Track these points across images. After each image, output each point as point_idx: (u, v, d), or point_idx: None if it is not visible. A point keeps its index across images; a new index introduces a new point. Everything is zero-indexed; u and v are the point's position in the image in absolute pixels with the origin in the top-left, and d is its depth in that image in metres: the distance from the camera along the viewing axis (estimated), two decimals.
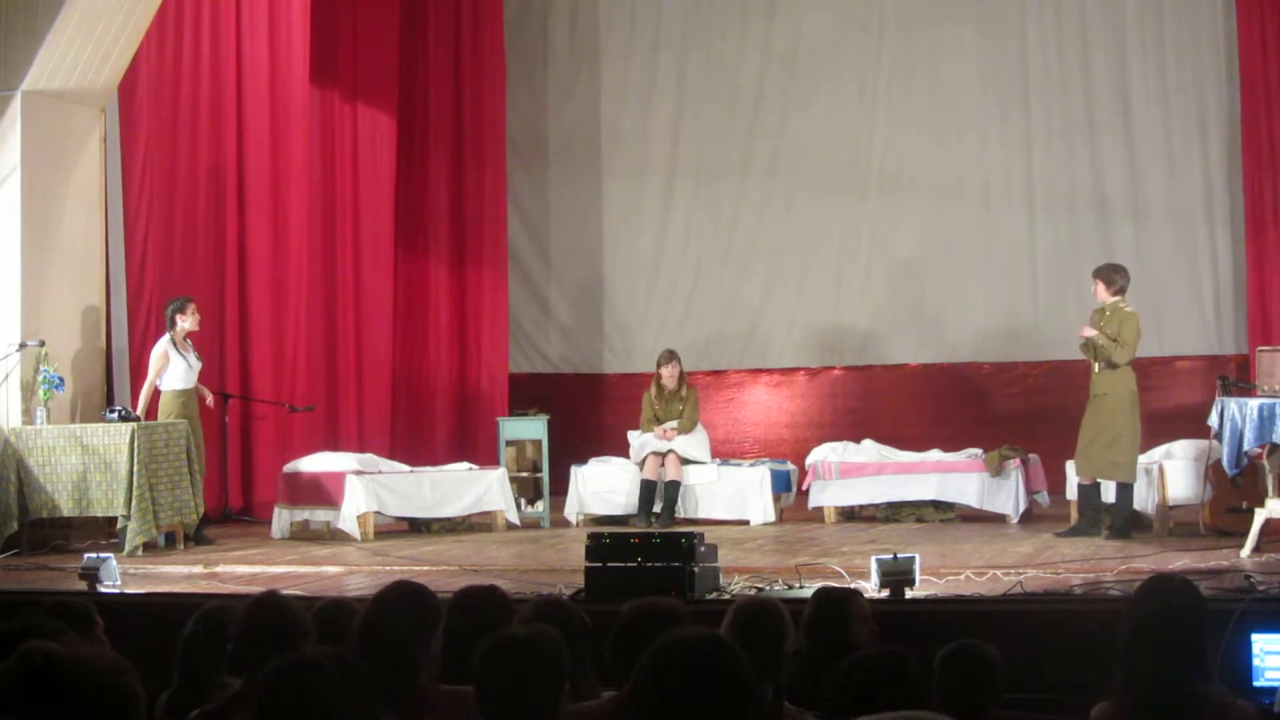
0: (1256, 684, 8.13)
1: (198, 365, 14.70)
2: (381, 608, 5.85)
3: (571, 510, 16.16)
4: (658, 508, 15.83)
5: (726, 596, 10.06)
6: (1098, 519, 13.81)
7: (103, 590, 10.80)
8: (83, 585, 10.85)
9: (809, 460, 16.05)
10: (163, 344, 14.50)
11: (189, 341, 14.66)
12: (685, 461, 15.99)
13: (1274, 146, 17.17)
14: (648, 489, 15.85)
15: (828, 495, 15.80)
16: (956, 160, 19.00)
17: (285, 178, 17.05)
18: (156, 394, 14.53)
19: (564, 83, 20.69)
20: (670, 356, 16.56)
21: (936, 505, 15.65)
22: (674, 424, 16.19)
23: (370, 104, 18.68)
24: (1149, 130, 18.37)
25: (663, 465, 15.92)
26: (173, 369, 14.46)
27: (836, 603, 7.04)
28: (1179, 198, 18.25)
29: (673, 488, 15.86)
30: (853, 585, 9.92)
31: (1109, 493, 13.85)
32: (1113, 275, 14.13)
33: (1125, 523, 13.53)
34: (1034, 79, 18.82)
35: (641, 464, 16.00)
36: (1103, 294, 14.10)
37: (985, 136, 18.97)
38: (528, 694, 4.66)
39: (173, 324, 14.53)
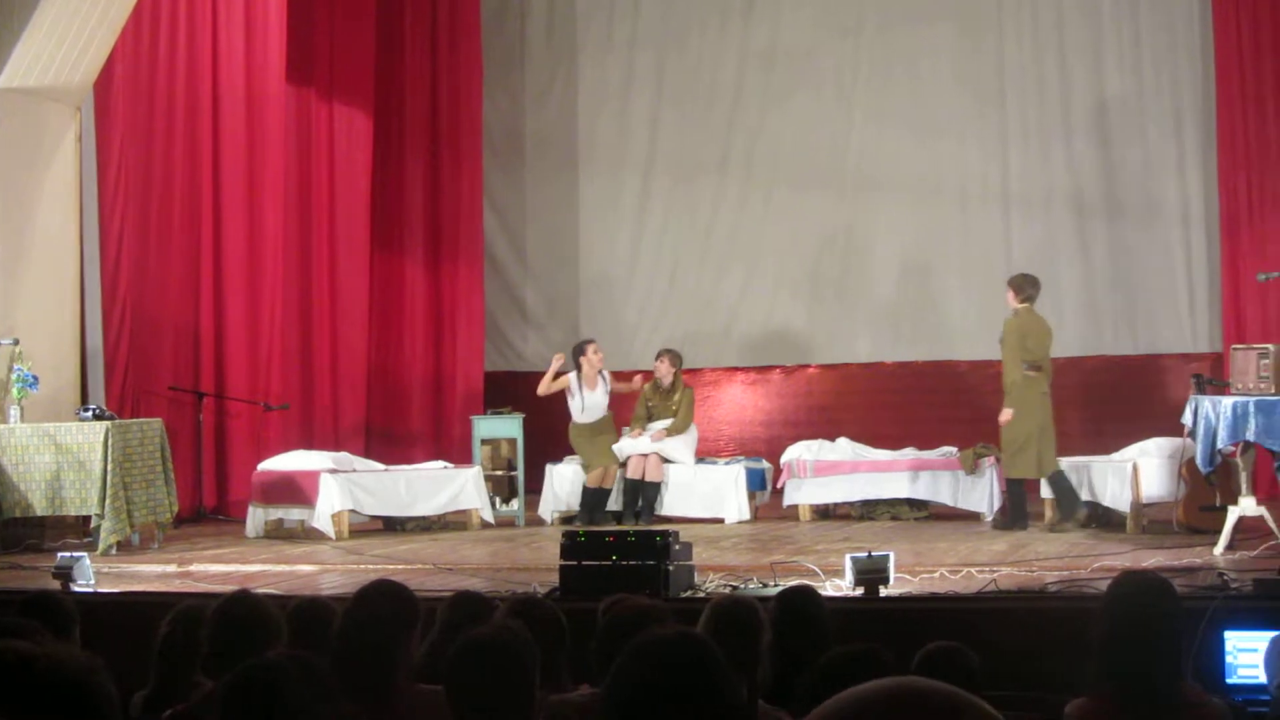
0: (1229, 681, 8.16)
1: None
2: (363, 605, 5.84)
3: (546, 509, 16.16)
4: (613, 506, 15.91)
5: (701, 595, 10.05)
6: (1021, 514, 14.42)
7: (76, 589, 10.76)
8: (56, 584, 10.81)
9: (784, 458, 16.09)
10: None
11: None
12: (666, 462, 16.01)
13: (1249, 146, 17.19)
14: (631, 489, 15.89)
15: (803, 493, 15.83)
16: (933, 160, 19.02)
17: (261, 176, 17.01)
18: None
19: (541, 82, 20.68)
20: (665, 351, 16.60)
21: (911, 503, 15.69)
22: (664, 424, 16.20)
23: (346, 103, 18.65)
24: (1125, 130, 18.41)
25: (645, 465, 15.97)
26: None
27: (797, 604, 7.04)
28: (1154, 197, 18.29)
29: (651, 488, 15.87)
30: (825, 583, 9.95)
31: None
32: (1023, 284, 14.88)
33: (1014, 516, 14.46)
34: (1010, 79, 18.85)
35: (623, 463, 16.02)
36: (1012, 301, 14.83)
37: (962, 136, 18.99)
38: (496, 694, 4.67)
39: None
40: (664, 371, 16.48)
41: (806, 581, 9.50)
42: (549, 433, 17.09)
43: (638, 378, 16.94)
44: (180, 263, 16.45)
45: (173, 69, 16.37)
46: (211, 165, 16.71)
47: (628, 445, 16.04)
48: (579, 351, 16.54)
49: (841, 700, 3.65)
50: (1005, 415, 14.58)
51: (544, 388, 16.48)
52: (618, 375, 16.81)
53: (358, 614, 5.80)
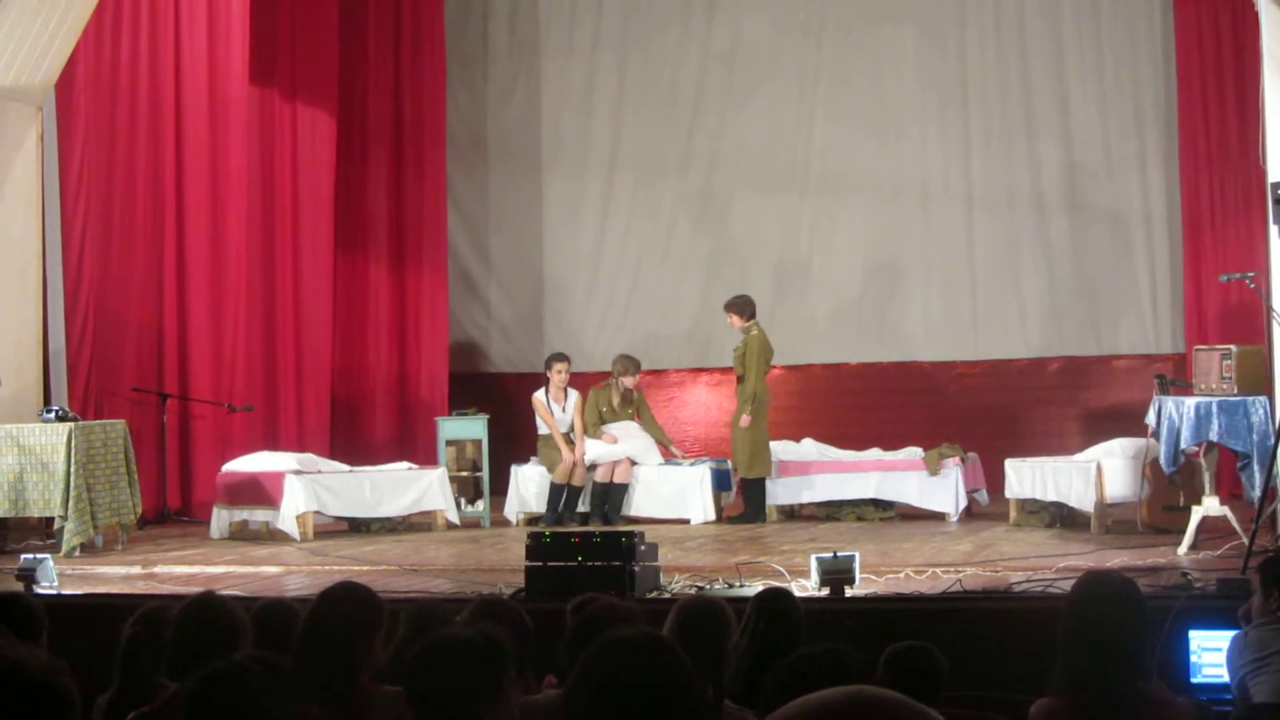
0: (1194, 680, 8.19)
1: None
2: (327, 606, 5.82)
3: (511, 510, 16.15)
4: (585, 508, 15.91)
5: (667, 596, 10.05)
6: (762, 509, 15.72)
7: (40, 591, 10.71)
8: (19, 587, 10.76)
9: None
10: None
11: None
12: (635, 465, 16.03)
13: (1210, 147, 17.23)
14: (600, 491, 15.88)
15: (768, 494, 15.82)
16: (895, 160, 19.03)
17: (224, 177, 16.93)
18: None
19: (504, 83, 20.64)
20: (638, 368, 16.58)
21: (876, 504, 15.70)
22: (622, 425, 16.21)
23: (310, 104, 18.58)
24: (1087, 131, 18.45)
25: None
26: None
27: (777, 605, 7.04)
28: (1117, 198, 18.33)
29: (619, 490, 15.86)
30: (791, 584, 9.95)
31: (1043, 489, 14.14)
32: (743, 306, 16.04)
33: (754, 511, 15.72)
34: (972, 80, 18.87)
35: (591, 467, 16.00)
36: (740, 322, 16.00)
37: (924, 137, 19.00)
38: (455, 696, 4.65)
39: None
40: (636, 386, 16.50)
41: (776, 583, 9.50)
42: (514, 434, 17.09)
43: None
44: (143, 263, 16.37)
45: (135, 69, 16.28)
46: (174, 165, 16.62)
47: (597, 449, 16.00)
48: (548, 365, 16.56)
49: (798, 706, 3.66)
50: (746, 420, 15.78)
51: (551, 426, 16.44)
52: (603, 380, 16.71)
53: (322, 615, 5.78)
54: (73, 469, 13.26)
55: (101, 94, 15.93)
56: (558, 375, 16.35)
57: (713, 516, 15.69)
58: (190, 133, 16.70)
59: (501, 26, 20.67)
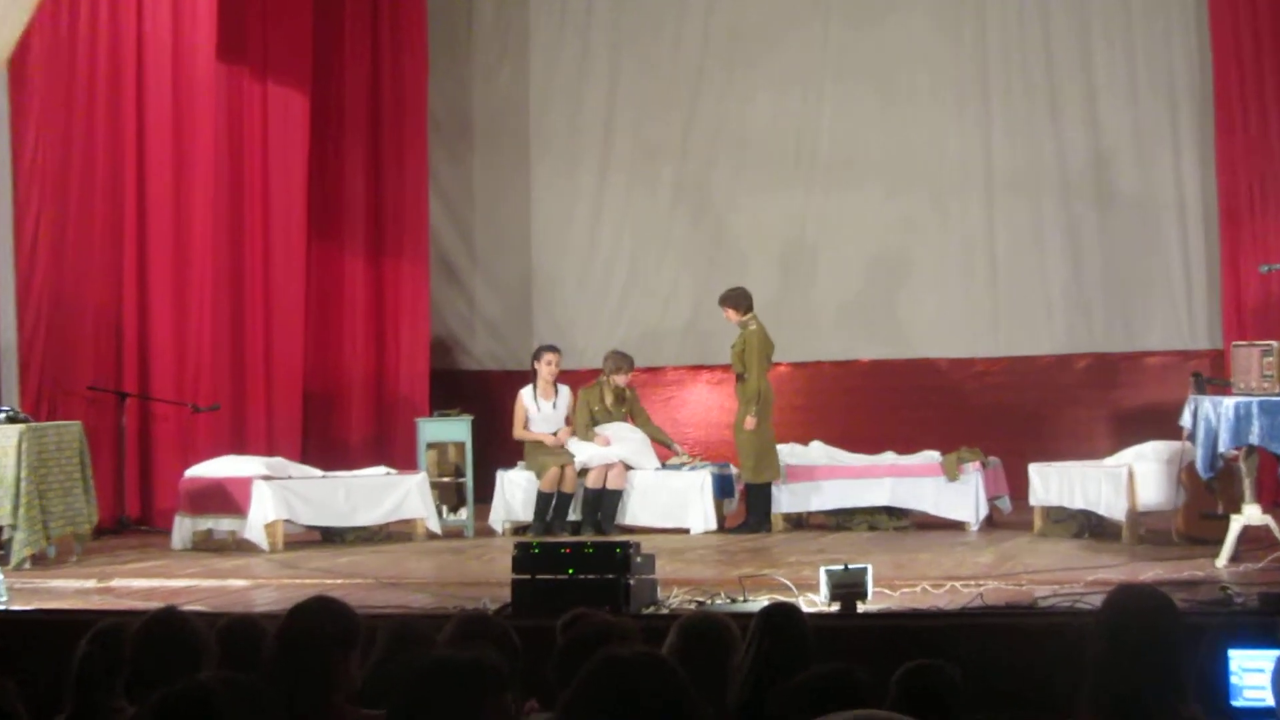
0: (1235, 703, 8.13)
1: None
2: (298, 623, 5.80)
3: (497, 518, 16.13)
4: (576, 516, 15.87)
5: (665, 611, 10.03)
6: (767, 518, 15.71)
7: None
8: None
9: None
10: None
11: None
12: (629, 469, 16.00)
13: (1249, 129, 17.17)
14: (592, 499, 15.85)
15: (773, 501, 15.79)
16: (909, 144, 19.00)
17: (189, 161, 16.90)
18: None
19: (490, 60, 20.61)
20: (631, 364, 16.55)
21: (890, 512, 15.68)
22: (614, 427, 16.18)
23: (281, 82, 18.53)
24: (1116, 113, 18.42)
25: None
26: None
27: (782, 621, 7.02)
28: (1148, 183, 18.31)
29: (612, 497, 15.83)
30: (798, 598, 9.92)
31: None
32: (739, 299, 16.04)
33: (758, 520, 15.71)
34: (993, 58, 18.85)
35: (582, 472, 15.97)
36: (734, 316, 16.03)
37: (940, 118, 18.97)
38: None
39: None
40: (627, 384, 16.48)
41: (782, 598, 9.48)
42: (500, 437, 17.05)
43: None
44: (102, 252, 16.34)
45: (94, 44, 16.26)
46: (136, 148, 16.59)
47: (588, 452, 15.97)
48: (536, 357, 16.53)
49: None
50: (751, 422, 15.74)
51: (517, 432, 16.43)
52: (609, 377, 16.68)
53: (293, 633, 5.75)
54: (23, 474, 13.22)
55: (58, 71, 15.91)
56: (547, 368, 16.33)
57: (714, 525, 15.68)
58: (153, 113, 16.67)
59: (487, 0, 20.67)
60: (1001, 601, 10.27)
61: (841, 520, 15.77)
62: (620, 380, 16.39)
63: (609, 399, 16.38)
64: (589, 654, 5.21)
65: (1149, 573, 11.45)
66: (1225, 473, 12.53)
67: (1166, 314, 18.21)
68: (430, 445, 16.44)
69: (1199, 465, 12.32)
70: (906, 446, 16.27)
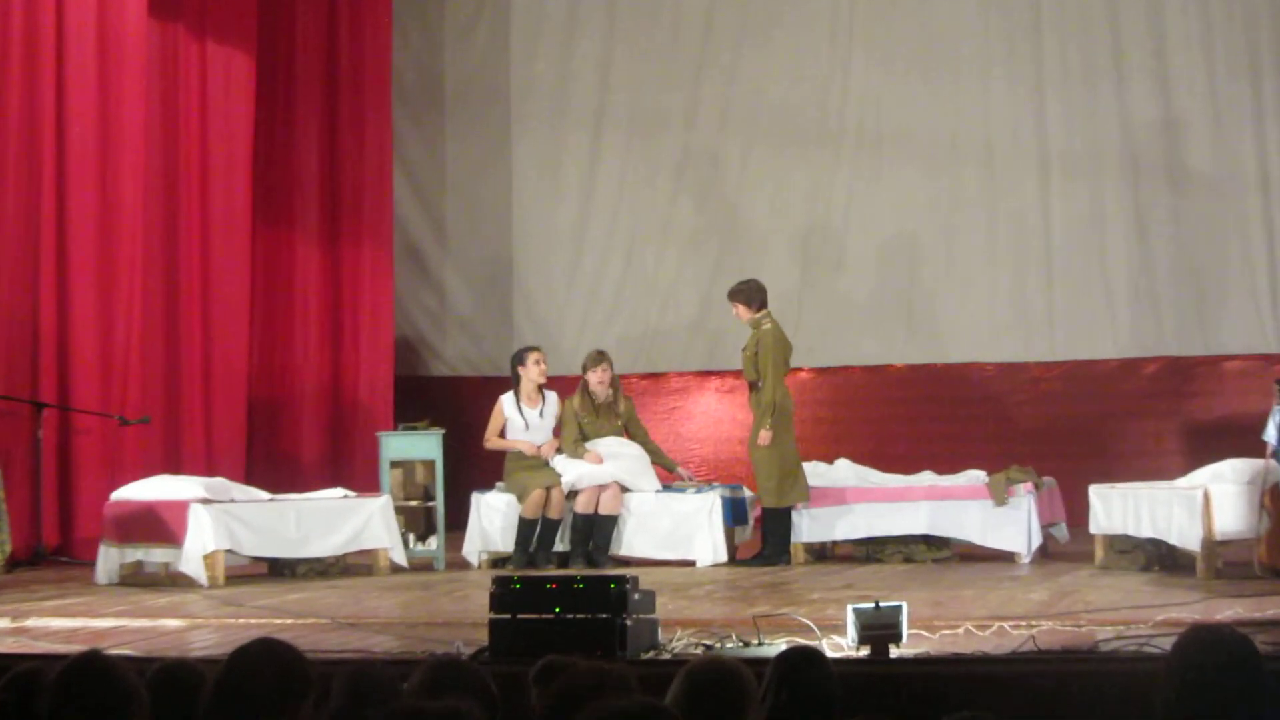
0: None
1: None
2: (240, 669, 5.81)
3: (472, 549, 16.11)
4: (563, 546, 15.86)
5: (667, 657, 10.04)
6: (786, 547, 15.67)
7: None
8: None
9: None
10: None
11: None
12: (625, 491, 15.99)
13: None
14: (582, 525, 15.82)
15: (793, 529, 15.82)
16: (951, 111, 19.06)
17: (116, 133, 16.94)
18: None
19: (464, 15, 20.68)
20: (600, 358, 16.37)
21: (928, 541, 15.69)
22: (610, 441, 16.16)
23: (223, 41, 18.57)
24: (1189, 75, 18.44)
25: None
26: None
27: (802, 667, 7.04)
28: (1226, 159, 18.34)
29: (606, 524, 15.82)
30: (822, 641, 9.95)
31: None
32: (751, 294, 15.91)
33: (775, 550, 15.60)
34: (1047, 11, 18.86)
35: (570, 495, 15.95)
36: (745, 314, 15.88)
37: (987, 82, 19.03)
38: None
39: None
40: (602, 382, 16.31)
41: (804, 641, 9.50)
42: (475, 454, 17.05)
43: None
44: (14, 241, 16.37)
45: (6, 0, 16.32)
46: (54, 119, 16.61)
47: (578, 471, 15.94)
48: (518, 360, 16.44)
49: None
50: (766, 436, 15.64)
51: (489, 440, 16.43)
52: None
53: (234, 680, 5.77)
54: None
55: None
56: (535, 368, 16.18)
57: (724, 557, 15.68)
58: (74, 78, 16.70)
59: None
60: (1057, 645, 10.28)
61: (872, 551, 15.78)
62: (593, 379, 16.17)
63: (598, 404, 16.26)
64: (579, 708, 5.25)
65: (1227, 611, 11.46)
66: None
67: (1247, 311, 18.23)
68: (394, 464, 16.43)
69: None
70: (947, 466, 16.29)
